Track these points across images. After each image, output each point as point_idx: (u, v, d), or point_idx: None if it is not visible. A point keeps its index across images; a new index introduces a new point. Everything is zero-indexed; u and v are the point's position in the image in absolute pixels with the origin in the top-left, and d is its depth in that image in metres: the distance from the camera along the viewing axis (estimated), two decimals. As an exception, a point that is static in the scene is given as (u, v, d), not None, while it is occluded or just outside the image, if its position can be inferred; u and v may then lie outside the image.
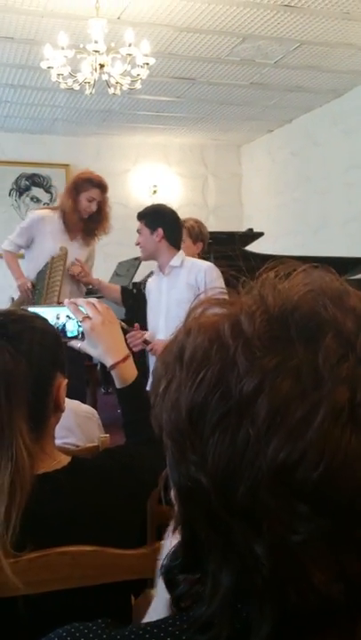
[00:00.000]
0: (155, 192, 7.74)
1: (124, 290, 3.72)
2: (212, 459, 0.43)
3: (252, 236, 5.40)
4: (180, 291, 3.10)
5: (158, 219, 3.24)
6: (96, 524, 1.11)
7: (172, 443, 0.47)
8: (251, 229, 5.70)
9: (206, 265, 3.21)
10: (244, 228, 7.31)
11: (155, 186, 7.73)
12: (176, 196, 7.90)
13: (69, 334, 1.39)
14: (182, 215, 8.23)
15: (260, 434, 0.41)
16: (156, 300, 3.25)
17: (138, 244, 3.28)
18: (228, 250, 5.06)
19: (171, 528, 0.51)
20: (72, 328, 1.39)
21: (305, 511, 0.40)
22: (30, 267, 3.82)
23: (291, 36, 4.74)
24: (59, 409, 1.18)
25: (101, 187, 3.82)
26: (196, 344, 0.46)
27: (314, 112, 6.61)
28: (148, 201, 7.76)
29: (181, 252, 3.27)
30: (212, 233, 5.29)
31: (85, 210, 3.77)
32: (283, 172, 7.22)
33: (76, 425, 1.86)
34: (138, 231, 3.28)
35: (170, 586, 0.50)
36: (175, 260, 3.20)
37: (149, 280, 3.44)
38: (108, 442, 1.78)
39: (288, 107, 6.49)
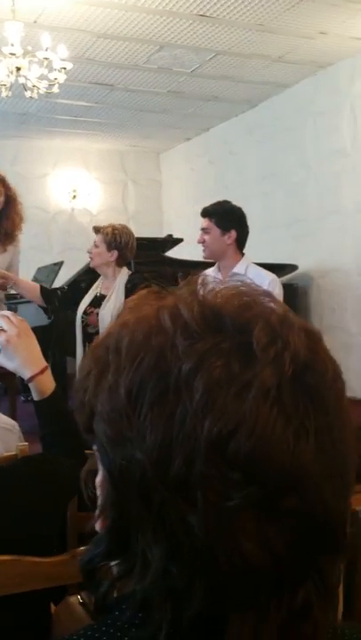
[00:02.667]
0: (74, 197, 7.69)
1: (43, 290, 3.54)
2: (150, 434, 0.45)
3: (172, 242, 5.45)
4: None
5: (232, 220, 3.06)
6: (13, 532, 1.10)
7: (106, 424, 0.49)
8: (170, 235, 5.75)
9: (271, 278, 3.04)
10: (163, 234, 7.36)
11: (74, 190, 7.67)
12: (96, 201, 7.88)
13: None
14: (102, 220, 8.23)
15: (197, 409, 0.45)
16: None
17: (203, 242, 3.07)
18: (149, 255, 5.10)
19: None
20: None
21: (237, 478, 0.44)
22: None
23: (207, 45, 4.83)
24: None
25: None
26: (134, 332, 0.49)
27: (230, 121, 6.76)
28: (67, 205, 7.70)
29: (246, 257, 3.13)
30: (131, 239, 5.32)
31: None
32: (201, 180, 7.33)
33: (-6, 436, 1.82)
34: (204, 229, 3.07)
35: (89, 582, 0.51)
36: (239, 267, 3.06)
37: (205, 274, 3.24)
38: (26, 450, 1.75)
39: (205, 115, 6.60)
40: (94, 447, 0.51)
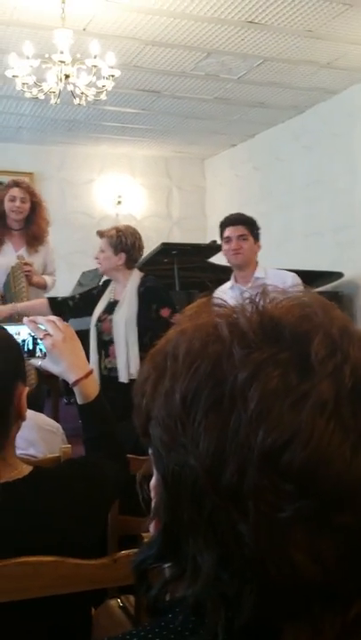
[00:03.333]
0: (119, 202, 7.76)
1: (53, 302, 3.38)
2: (203, 441, 0.46)
3: (215, 248, 5.44)
4: None
5: (259, 231, 3.25)
6: (56, 534, 1.11)
7: (162, 429, 0.49)
8: (214, 241, 5.74)
9: (292, 274, 3.24)
10: (207, 240, 7.36)
11: (119, 196, 7.75)
12: (140, 207, 7.93)
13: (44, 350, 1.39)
14: (146, 226, 8.24)
15: (251, 418, 0.44)
16: None
17: (239, 249, 3.18)
18: (193, 261, 5.11)
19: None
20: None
21: (290, 490, 0.43)
22: None
23: (254, 52, 4.82)
24: (20, 417, 1.18)
25: (16, 184, 3.78)
26: (192, 339, 0.50)
27: (276, 127, 6.73)
28: (112, 211, 7.77)
29: (260, 263, 3.31)
30: (176, 244, 5.34)
31: (12, 210, 3.73)
32: (246, 186, 7.31)
33: (40, 438, 1.85)
34: (242, 237, 3.19)
35: (140, 584, 0.51)
36: (260, 272, 3.25)
37: (221, 291, 3.30)
38: (69, 453, 1.77)
39: (251, 122, 6.59)
40: (150, 451, 0.52)
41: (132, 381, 3.19)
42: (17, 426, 1.18)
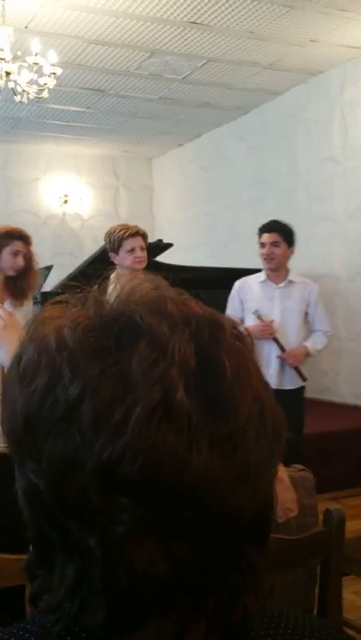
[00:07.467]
0: (65, 202, 7.70)
1: None
2: (47, 464, 0.45)
3: (161, 246, 5.47)
4: (295, 302, 3.66)
5: (292, 237, 3.65)
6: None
7: (13, 450, 0.49)
8: (160, 240, 5.76)
9: (313, 285, 3.76)
10: (154, 240, 7.37)
11: (65, 195, 7.69)
12: (87, 206, 7.89)
13: None
14: (93, 225, 8.13)
15: (85, 437, 0.44)
16: (267, 306, 3.67)
17: (272, 254, 3.58)
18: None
19: None
20: None
21: (126, 503, 0.44)
22: None
23: (198, 52, 4.86)
24: None
25: (23, 238, 3.42)
26: (28, 356, 0.49)
27: (222, 128, 6.79)
28: (58, 210, 7.71)
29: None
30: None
31: (12, 267, 3.35)
32: (193, 186, 7.36)
33: None
34: (274, 244, 3.59)
35: (31, 581, 0.52)
36: (293, 276, 3.71)
37: (247, 281, 3.77)
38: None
39: (197, 122, 6.64)
40: None
41: None
42: None
